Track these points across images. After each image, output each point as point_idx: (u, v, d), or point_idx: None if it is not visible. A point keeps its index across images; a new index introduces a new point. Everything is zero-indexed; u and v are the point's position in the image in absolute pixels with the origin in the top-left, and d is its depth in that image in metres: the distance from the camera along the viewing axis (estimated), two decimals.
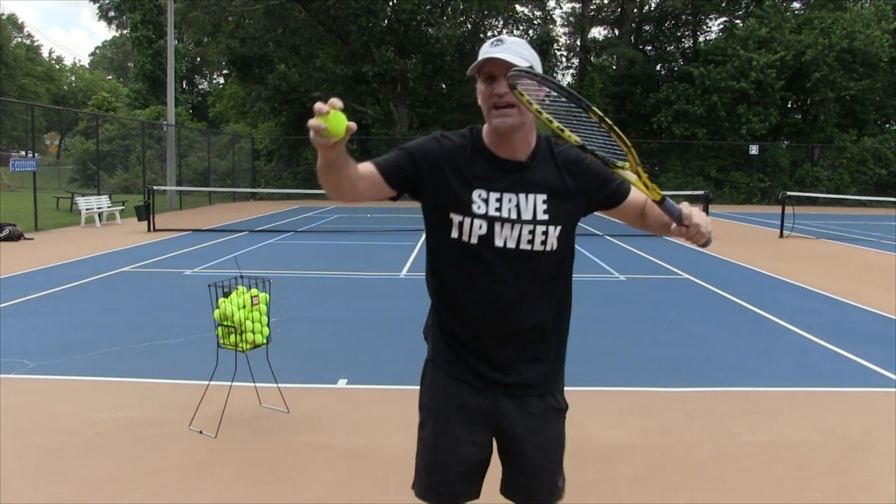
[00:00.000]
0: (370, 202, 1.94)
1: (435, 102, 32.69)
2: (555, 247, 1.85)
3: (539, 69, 1.80)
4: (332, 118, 1.50)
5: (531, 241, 1.83)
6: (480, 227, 1.81)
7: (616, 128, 1.65)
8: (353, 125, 1.55)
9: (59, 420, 4.02)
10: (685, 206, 1.70)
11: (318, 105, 1.51)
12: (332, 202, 25.50)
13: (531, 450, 1.94)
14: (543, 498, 1.99)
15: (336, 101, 1.51)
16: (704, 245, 1.73)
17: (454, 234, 1.84)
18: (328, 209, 22.73)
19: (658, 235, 1.97)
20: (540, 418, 1.93)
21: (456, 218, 1.83)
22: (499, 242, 1.82)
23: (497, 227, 1.81)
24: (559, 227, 1.85)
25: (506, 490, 2.02)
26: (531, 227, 1.82)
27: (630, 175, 1.71)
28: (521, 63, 1.72)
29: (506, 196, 1.82)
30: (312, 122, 1.50)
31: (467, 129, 1.92)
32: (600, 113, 1.65)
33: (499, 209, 1.81)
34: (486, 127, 1.88)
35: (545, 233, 1.83)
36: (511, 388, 1.91)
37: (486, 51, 1.77)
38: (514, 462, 1.97)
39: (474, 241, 1.83)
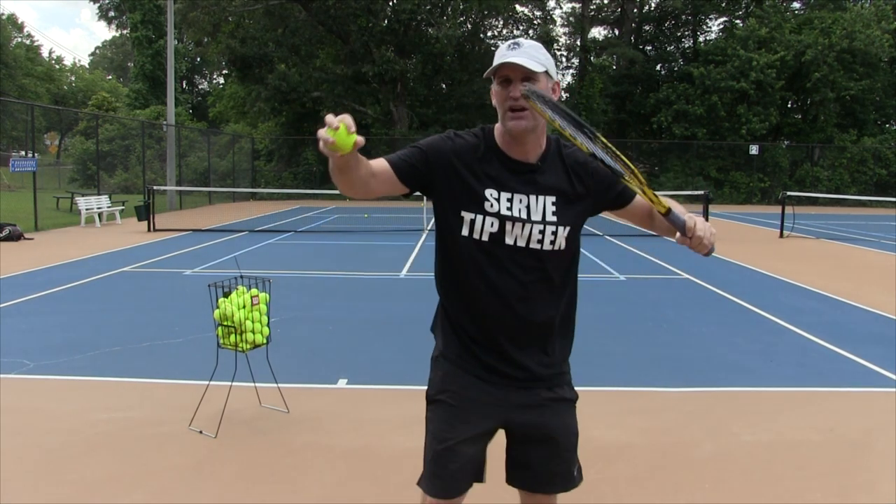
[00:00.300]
0: (377, 200, 1.97)
1: (435, 102, 32.69)
2: (563, 246, 1.90)
3: (553, 72, 1.85)
4: (341, 133, 1.53)
5: (540, 241, 1.87)
6: (492, 225, 1.85)
7: (620, 154, 1.74)
8: (362, 140, 1.57)
9: (59, 420, 4.02)
10: (689, 219, 1.75)
11: (329, 118, 1.53)
12: (331, 202, 25.52)
13: (543, 440, 1.97)
14: (558, 486, 2.02)
15: (349, 122, 1.53)
16: (707, 254, 1.79)
17: (465, 232, 1.87)
18: (328, 209, 22.73)
19: (663, 237, 2.00)
20: (551, 409, 1.97)
21: (468, 216, 1.86)
22: (509, 241, 1.86)
23: (508, 225, 1.85)
24: (567, 228, 1.89)
25: (516, 481, 2.04)
26: (541, 226, 1.86)
27: (636, 188, 1.77)
28: (537, 67, 1.78)
29: (517, 196, 1.86)
30: (322, 133, 1.53)
31: (479, 128, 1.95)
32: (604, 140, 1.73)
33: (510, 208, 1.85)
34: (497, 127, 1.91)
35: (554, 233, 1.87)
36: (520, 381, 1.94)
37: (503, 54, 1.80)
38: (527, 453, 2.00)
39: (485, 238, 1.86)
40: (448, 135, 1.93)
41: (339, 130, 1.52)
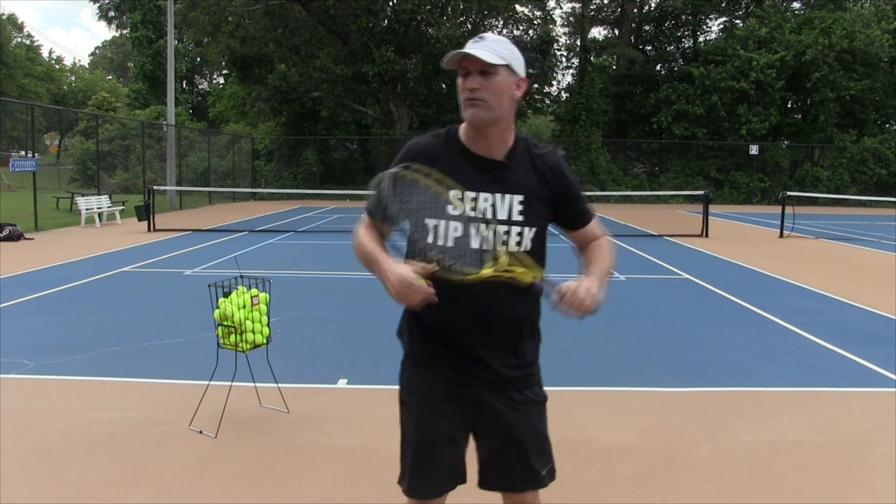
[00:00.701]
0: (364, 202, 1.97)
1: (435, 102, 32.70)
2: (529, 248, 1.87)
3: (519, 67, 1.83)
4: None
5: (506, 242, 1.84)
6: (456, 230, 1.83)
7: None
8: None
9: (59, 420, 4.02)
10: (566, 286, 1.77)
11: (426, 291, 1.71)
12: (331, 202, 25.51)
13: (512, 441, 1.96)
14: (524, 483, 2.01)
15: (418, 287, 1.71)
16: (580, 318, 1.81)
17: (430, 239, 1.85)
18: (328, 209, 22.73)
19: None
20: (520, 410, 1.95)
21: (431, 223, 1.84)
22: (474, 244, 1.83)
23: (472, 228, 1.82)
24: (535, 229, 1.87)
25: (486, 483, 2.03)
26: (506, 227, 1.83)
27: (498, 269, 1.80)
28: (494, 59, 1.77)
29: (482, 195, 1.84)
30: (419, 298, 1.72)
31: (445, 128, 1.95)
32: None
33: (474, 208, 1.83)
34: (464, 124, 1.91)
35: (520, 234, 1.85)
36: (491, 382, 1.92)
37: (467, 46, 1.81)
38: (495, 454, 1.98)
39: (450, 243, 1.83)
40: (408, 146, 1.93)
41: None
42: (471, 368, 1.91)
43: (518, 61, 1.83)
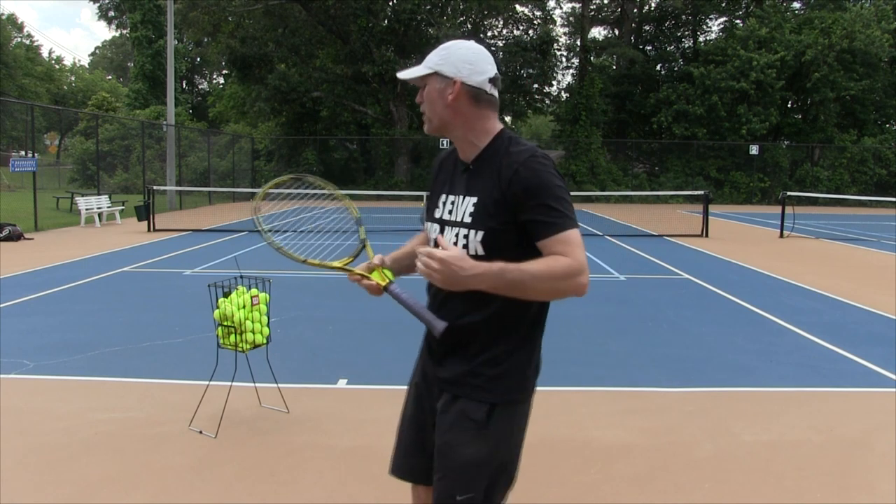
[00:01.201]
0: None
1: None
2: (479, 252, 1.79)
3: (449, 70, 1.80)
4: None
5: (455, 244, 1.84)
6: (434, 231, 1.94)
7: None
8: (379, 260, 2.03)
9: (59, 420, 4.02)
10: (431, 248, 1.79)
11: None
12: (331, 202, 25.46)
13: (437, 448, 1.90)
14: (435, 496, 1.89)
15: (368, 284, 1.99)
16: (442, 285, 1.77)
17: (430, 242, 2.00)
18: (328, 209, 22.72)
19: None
20: (447, 418, 1.87)
21: (426, 225, 2.00)
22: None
23: (446, 230, 1.91)
24: (481, 232, 1.79)
25: None
26: (456, 229, 1.87)
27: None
28: (416, 74, 1.86)
29: (454, 198, 1.92)
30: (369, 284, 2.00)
31: None
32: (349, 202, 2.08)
33: (451, 212, 1.91)
34: None
35: (466, 236, 1.82)
36: (441, 381, 1.94)
37: None
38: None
39: (431, 244, 1.93)
40: (436, 159, 2.10)
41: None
42: (433, 364, 1.97)
43: (448, 64, 1.79)
